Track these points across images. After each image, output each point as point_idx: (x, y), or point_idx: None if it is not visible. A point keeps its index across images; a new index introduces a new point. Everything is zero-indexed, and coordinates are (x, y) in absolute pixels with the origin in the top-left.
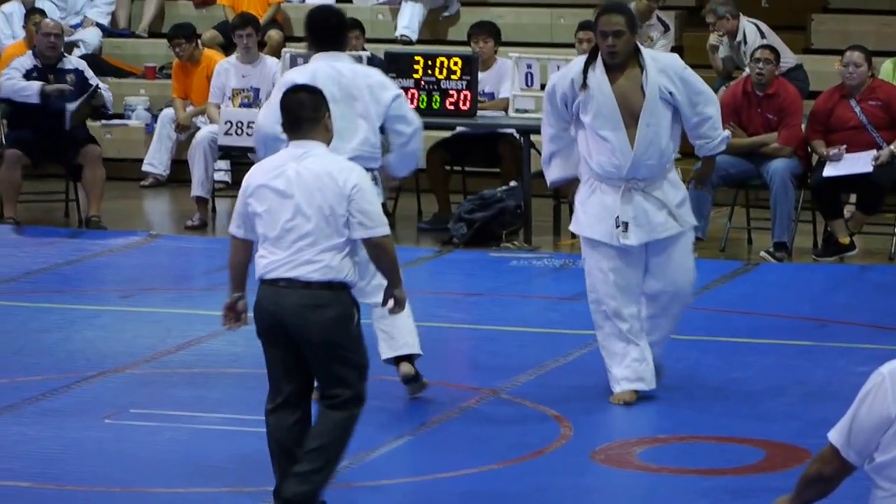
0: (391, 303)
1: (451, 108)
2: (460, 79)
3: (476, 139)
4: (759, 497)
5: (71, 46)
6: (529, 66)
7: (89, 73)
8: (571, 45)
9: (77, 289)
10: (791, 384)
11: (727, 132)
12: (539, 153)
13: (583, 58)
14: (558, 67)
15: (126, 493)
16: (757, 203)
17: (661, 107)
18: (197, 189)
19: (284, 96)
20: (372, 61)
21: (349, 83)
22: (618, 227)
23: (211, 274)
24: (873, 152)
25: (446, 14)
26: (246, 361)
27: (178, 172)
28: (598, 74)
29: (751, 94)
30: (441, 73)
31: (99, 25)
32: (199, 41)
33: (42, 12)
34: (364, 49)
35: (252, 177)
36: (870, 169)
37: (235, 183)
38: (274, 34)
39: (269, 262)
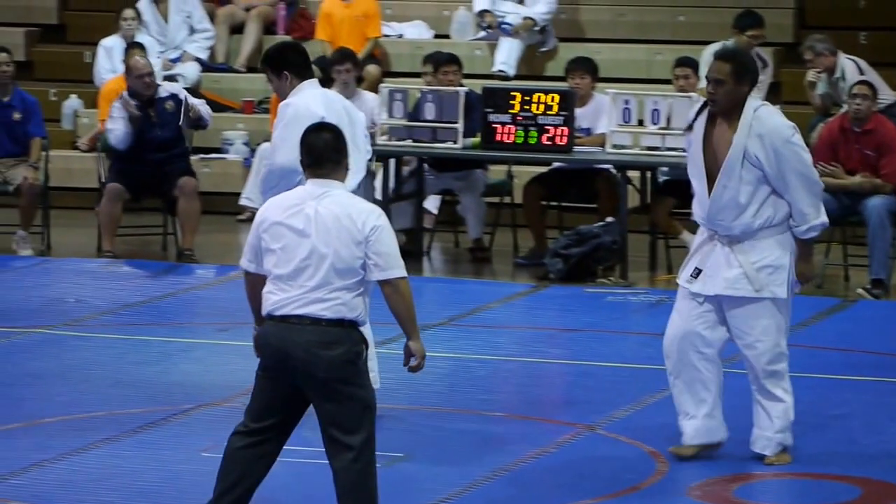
0: (412, 360)
1: (548, 143)
2: (557, 114)
3: (573, 175)
4: None
5: (170, 81)
6: (627, 102)
7: (183, 94)
8: (668, 82)
9: (174, 322)
10: (888, 422)
11: (819, 221)
12: (636, 189)
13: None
14: (655, 103)
15: None
16: (854, 240)
17: (742, 168)
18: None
19: (308, 134)
20: (469, 96)
21: (349, 109)
22: (692, 272)
23: None
24: None
25: (543, 49)
26: None
27: None
28: (701, 119)
29: (848, 131)
30: (538, 108)
31: (198, 60)
32: None
33: (142, 46)
34: (461, 84)
35: (267, 212)
36: None
37: None
38: (372, 69)
39: (280, 299)
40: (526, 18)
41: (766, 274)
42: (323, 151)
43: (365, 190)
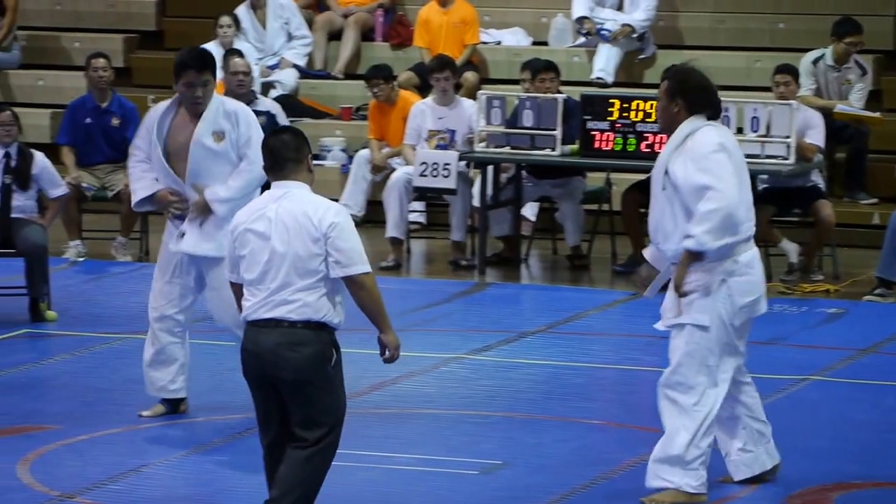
0: (387, 353)
1: (647, 150)
2: (656, 121)
3: None
4: None
5: (267, 87)
6: (726, 110)
7: (281, 118)
8: (768, 89)
9: None
10: None
11: (689, 243)
12: None
13: None
14: (755, 111)
15: None
16: None
17: (665, 190)
18: (392, 230)
19: (267, 138)
20: (567, 103)
21: None
22: None
23: (405, 315)
24: None
25: (642, 56)
26: (440, 402)
27: (374, 213)
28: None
29: None
30: (636, 115)
31: (296, 66)
32: (395, 82)
33: (240, 53)
34: (559, 91)
35: (236, 220)
36: None
37: (431, 224)
38: (470, 76)
39: (250, 305)
40: (624, 25)
41: (693, 303)
42: (281, 151)
43: (462, 197)
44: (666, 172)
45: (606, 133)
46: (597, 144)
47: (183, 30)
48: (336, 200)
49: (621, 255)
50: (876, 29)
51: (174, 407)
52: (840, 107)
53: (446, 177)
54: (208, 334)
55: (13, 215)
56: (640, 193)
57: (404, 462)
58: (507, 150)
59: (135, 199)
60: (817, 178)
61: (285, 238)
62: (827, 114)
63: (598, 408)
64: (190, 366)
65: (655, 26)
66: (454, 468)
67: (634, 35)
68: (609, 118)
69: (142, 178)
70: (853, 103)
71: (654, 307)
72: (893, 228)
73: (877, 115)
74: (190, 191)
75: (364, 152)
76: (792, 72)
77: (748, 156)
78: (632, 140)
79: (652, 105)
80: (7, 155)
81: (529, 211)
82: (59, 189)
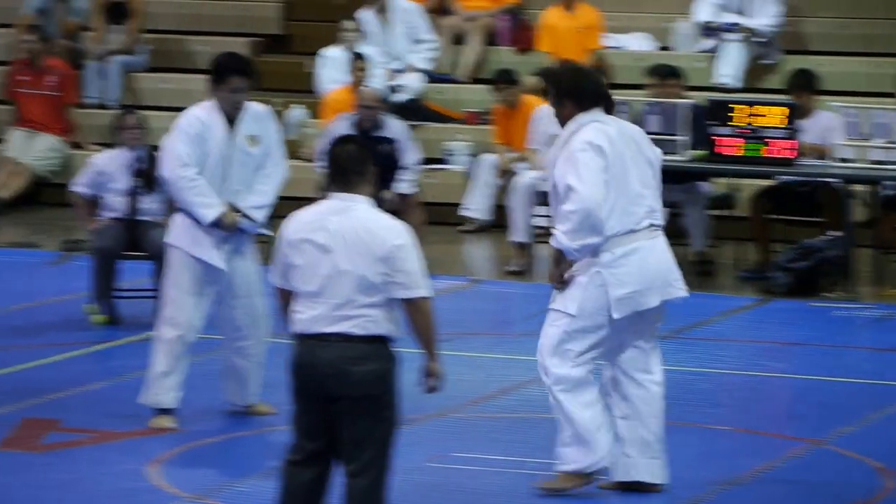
0: (430, 381)
1: (771, 155)
2: (781, 127)
3: (797, 188)
4: None
5: (393, 91)
6: (853, 116)
7: (406, 146)
8: (892, 95)
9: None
10: None
11: (556, 241)
12: (862, 203)
13: None
14: (882, 117)
15: None
16: None
17: (553, 189)
18: (517, 234)
19: (333, 148)
20: (692, 109)
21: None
22: None
23: (531, 319)
24: None
25: (767, 61)
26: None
27: (499, 217)
28: None
29: None
30: (761, 120)
31: (421, 71)
32: (520, 87)
33: (361, 56)
34: (684, 97)
35: (290, 228)
36: None
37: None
38: None
39: (307, 318)
40: (749, 30)
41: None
42: (348, 164)
43: None
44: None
45: (731, 138)
46: (721, 150)
47: (308, 33)
48: (459, 205)
49: (747, 261)
50: None
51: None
52: None
53: None
54: None
55: (140, 218)
56: (766, 199)
57: (534, 467)
58: None
59: (209, 216)
60: None
61: (349, 254)
62: None
63: (725, 413)
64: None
65: (780, 31)
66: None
67: (759, 40)
68: (734, 124)
69: (206, 193)
70: None
71: (783, 314)
72: None
73: None
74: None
75: (489, 157)
76: None
77: (874, 162)
78: (756, 146)
79: (777, 110)
80: (134, 158)
81: None
82: None
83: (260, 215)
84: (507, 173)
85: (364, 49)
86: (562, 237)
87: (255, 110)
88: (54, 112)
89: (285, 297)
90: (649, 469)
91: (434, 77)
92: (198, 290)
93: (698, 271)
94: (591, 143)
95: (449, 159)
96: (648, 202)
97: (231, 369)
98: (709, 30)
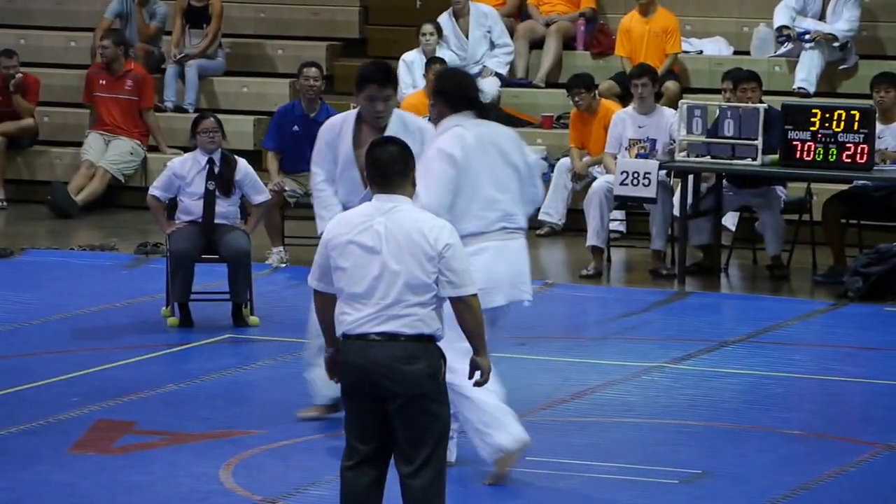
0: (477, 374)
1: (848, 160)
2: (857, 131)
3: (873, 192)
4: None
5: None
6: None
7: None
8: None
9: None
10: None
11: None
12: None
13: None
14: None
15: None
16: None
17: None
18: (592, 238)
19: (373, 148)
20: (769, 113)
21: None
22: None
23: (605, 323)
24: None
25: (844, 66)
26: (640, 411)
27: (574, 221)
28: None
29: None
30: (838, 125)
31: (497, 75)
32: (596, 91)
33: (442, 61)
34: (761, 101)
35: (335, 230)
36: None
37: (631, 233)
38: (671, 85)
39: (355, 318)
40: (827, 34)
41: None
42: (390, 164)
43: (663, 206)
44: None
45: (807, 143)
46: (798, 154)
47: (386, 37)
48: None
49: (822, 265)
50: None
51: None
52: None
53: (647, 185)
54: None
55: (217, 221)
56: (841, 203)
57: (604, 471)
58: (707, 159)
59: (319, 227)
60: None
61: (399, 254)
62: None
63: (799, 418)
64: None
65: (857, 36)
66: (654, 477)
67: (836, 45)
68: (811, 128)
69: (331, 205)
70: None
71: (857, 318)
72: None
73: None
74: None
75: (565, 161)
76: None
77: None
78: (833, 150)
79: (853, 115)
80: (211, 161)
81: (729, 220)
82: (261, 195)
83: None
84: (582, 178)
85: (441, 53)
86: None
87: (411, 124)
88: (131, 116)
89: (322, 300)
90: None
91: (510, 81)
92: None
93: (772, 275)
94: (444, 151)
95: None
96: (504, 206)
97: None
98: (786, 34)
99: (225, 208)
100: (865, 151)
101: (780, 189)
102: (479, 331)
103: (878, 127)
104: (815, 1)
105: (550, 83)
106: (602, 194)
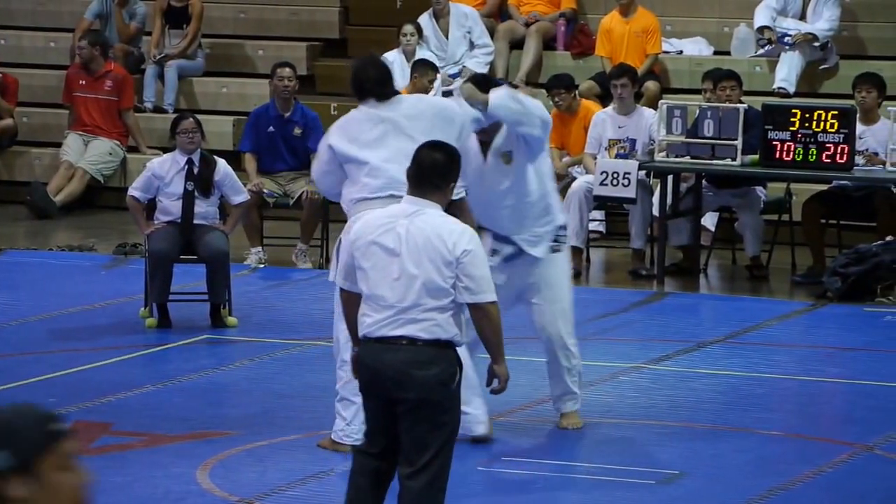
0: (495, 383)
1: (828, 161)
2: (837, 132)
3: (852, 193)
4: None
5: (448, 96)
6: None
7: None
8: None
9: None
10: None
11: None
12: None
13: None
14: None
15: None
16: None
17: None
18: (572, 239)
19: (421, 149)
20: (748, 113)
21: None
22: None
23: (584, 324)
24: None
25: (824, 66)
26: (619, 412)
27: None
28: None
29: None
30: (818, 125)
31: None
32: (576, 92)
33: (433, 66)
34: (741, 101)
35: (360, 230)
36: None
37: (610, 233)
38: (651, 85)
39: (374, 321)
40: (807, 35)
41: None
42: (429, 171)
43: (642, 206)
44: None
45: (787, 143)
46: (778, 155)
47: (366, 38)
48: None
49: (801, 265)
50: None
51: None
52: None
53: (626, 186)
54: None
55: (195, 222)
56: (821, 204)
57: (582, 471)
58: (687, 159)
59: None
60: None
61: (417, 258)
62: None
63: (778, 419)
64: None
65: (838, 36)
66: (632, 478)
67: (817, 44)
68: (790, 128)
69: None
70: None
71: (836, 319)
72: None
73: None
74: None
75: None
76: None
77: None
78: (813, 150)
79: (833, 115)
80: (190, 161)
81: (709, 220)
82: (240, 196)
83: None
84: (562, 178)
85: (421, 53)
86: None
87: None
88: (111, 116)
89: (348, 300)
90: None
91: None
92: None
93: (752, 276)
94: (325, 138)
95: None
96: (391, 174)
97: None
98: (767, 37)
99: (204, 209)
100: (845, 151)
101: (759, 189)
102: (496, 338)
103: (860, 127)
104: (795, 1)
105: (530, 83)
106: (582, 194)
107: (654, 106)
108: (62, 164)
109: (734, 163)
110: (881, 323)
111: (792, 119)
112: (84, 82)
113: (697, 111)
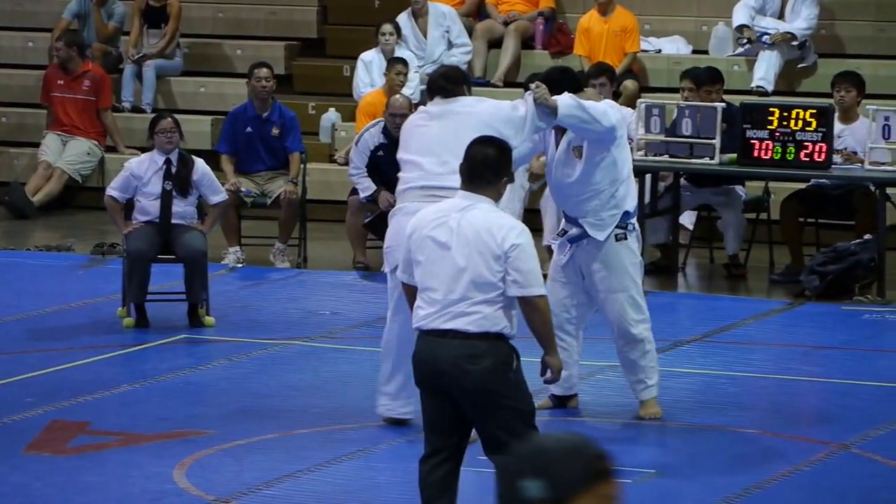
0: (548, 373)
1: (806, 159)
2: (815, 130)
3: (831, 191)
4: None
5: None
6: (887, 119)
7: None
8: None
9: None
10: None
11: None
12: (895, 206)
13: None
14: None
15: None
16: None
17: None
18: (549, 238)
19: (475, 143)
20: (729, 112)
21: None
22: None
23: None
24: None
25: (803, 65)
26: (595, 410)
27: (531, 221)
28: None
29: None
30: (796, 124)
31: None
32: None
33: (404, 62)
34: (722, 100)
35: (415, 224)
36: None
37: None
38: (629, 84)
39: (425, 314)
40: (785, 33)
41: None
42: (482, 166)
43: None
44: None
45: (765, 142)
46: (756, 153)
47: (344, 37)
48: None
49: (779, 264)
50: None
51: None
52: None
53: None
54: (365, 341)
55: (173, 221)
56: (799, 203)
57: None
58: (665, 158)
59: None
60: None
61: (466, 252)
62: None
63: (754, 417)
64: (348, 372)
65: (816, 35)
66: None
67: (795, 43)
68: (769, 127)
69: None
70: None
71: (814, 317)
72: None
73: None
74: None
75: None
76: None
77: None
78: (791, 149)
79: (812, 114)
80: (168, 161)
81: (687, 219)
82: (218, 195)
83: None
84: (539, 177)
85: (400, 53)
86: None
87: None
88: (89, 116)
89: (409, 291)
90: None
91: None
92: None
93: (730, 275)
94: None
95: None
96: (424, 167)
97: None
98: (746, 37)
99: (182, 208)
100: (823, 150)
101: (739, 188)
102: (546, 330)
103: (838, 126)
104: None
105: (509, 82)
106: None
107: (632, 105)
108: (40, 164)
109: (712, 161)
110: (859, 321)
111: (770, 118)
112: (62, 82)
113: (676, 110)
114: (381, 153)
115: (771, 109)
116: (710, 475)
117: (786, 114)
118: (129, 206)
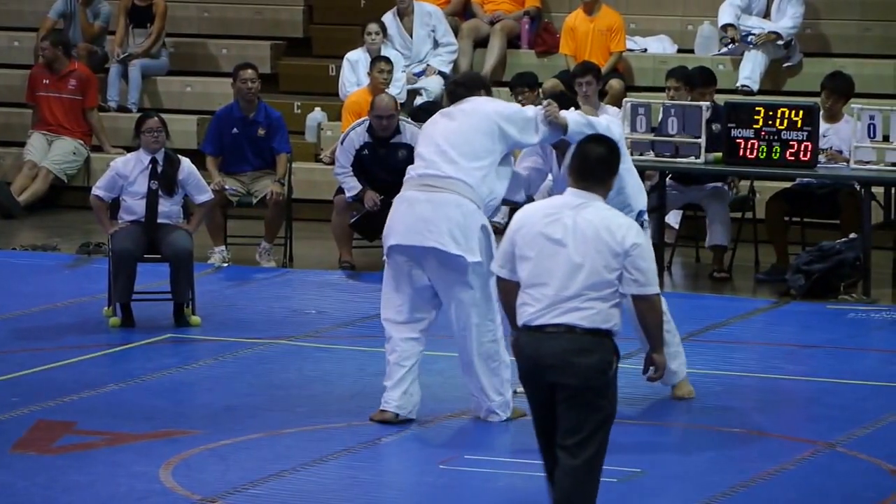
0: (651, 370)
1: (791, 158)
2: (801, 129)
3: (816, 190)
4: None
5: (413, 94)
6: (872, 118)
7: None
8: None
9: None
10: None
11: None
12: (880, 205)
13: None
14: None
15: None
16: None
17: None
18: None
19: (585, 141)
20: (717, 110)
21: None
22: None
23: None
24: None
25: (788, 64)
26: None
27: None
28: None
29: None
30: (782, 123)
31: (441, 73)
32: (540, 90)
33: (387, 60)
34: (713, 102)
35: (525, 219)
36: None
37: None
38: (615, 83)
39: (535, 310)
40: (770, 33)
41: None
42: (594, 165)
43: None
44: None
45: (751, 141)
46: (741, 152)
47: (330, 36)
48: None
49: (764, 263)
50: None
51: None
52: None
53: None
54: (350, 340)
55: (159, 221)
56: (784, 202)
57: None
58: (651, 157)
59: None
60: None
61: (584, 249)
62: None
63: (740, 416)
64: (333, 371)
65: (801, 34)
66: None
67: (780, 42)
68: (754, 126)
69: None
70: None
71: (799, 316)
72: None
73: None
74: None
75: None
76: None
77: (893, 164)
78: (777, 148)
79: (797, 113)
80: (154, 161)
81: (673, 218)
82: (204, 195)
83: None
84: None
85: (386, 52)
86: None
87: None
88: (74, 115)
89: (506, 288)
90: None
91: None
92: None
93: (712, 277)
94: None
95: None
96: (424, 157)
97: None
98: (731, 37)
99: (168, 208)
100: (809, 149)
101: (724, 186)
102: (657, 330)
103: (823, 125)
104: None
105: (494, 82)
106: (545, 193)
107: (618, 104)
108: (26, 163)
109: (698, 160)
110: (844, 320)
111: (755, 117)
112: (48, 81)
113: (661, 109)
114: (365, 152)
115: (756, 108)
116: (696, 474)
117: (771, 113)
118: (114, 206)
